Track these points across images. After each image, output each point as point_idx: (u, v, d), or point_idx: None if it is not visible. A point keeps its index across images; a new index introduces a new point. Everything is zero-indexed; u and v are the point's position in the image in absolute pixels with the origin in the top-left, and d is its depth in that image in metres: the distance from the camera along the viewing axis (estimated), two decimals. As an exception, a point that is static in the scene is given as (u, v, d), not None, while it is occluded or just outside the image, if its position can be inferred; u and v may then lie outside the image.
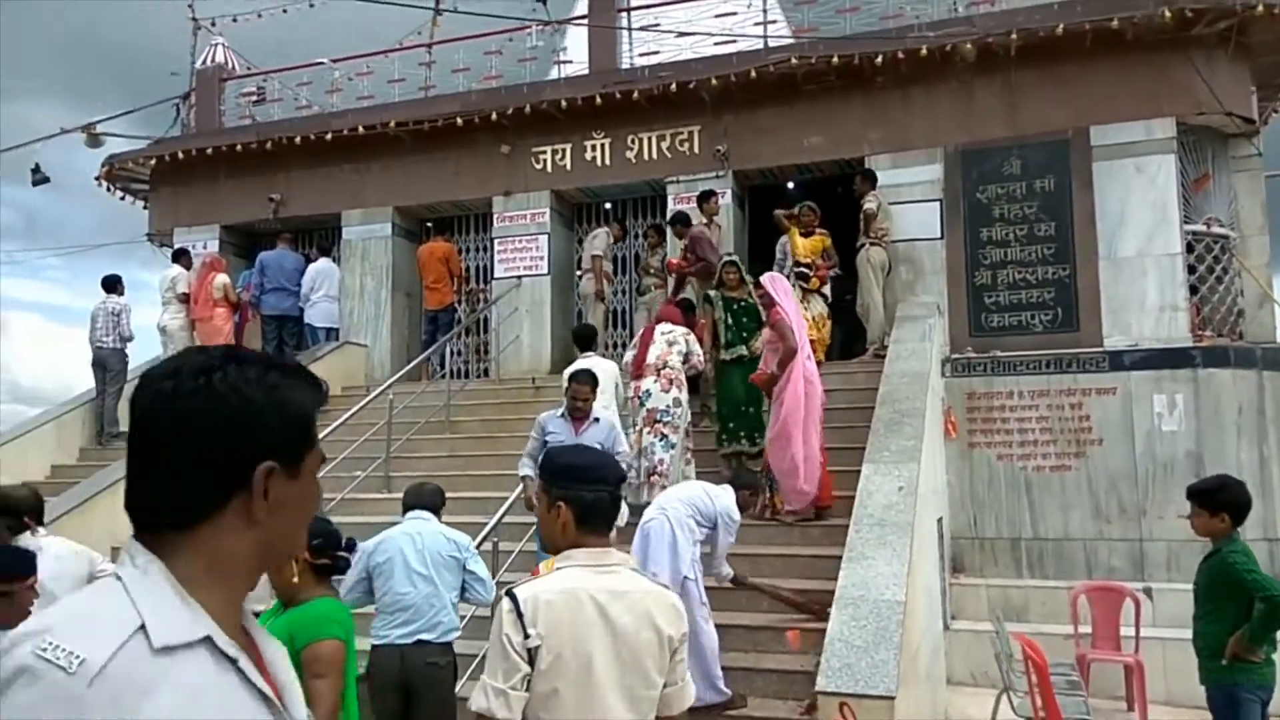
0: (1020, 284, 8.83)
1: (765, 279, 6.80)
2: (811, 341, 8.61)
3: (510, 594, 2.07)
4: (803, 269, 8.67)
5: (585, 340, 7.80)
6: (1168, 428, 8.09)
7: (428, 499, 4.63)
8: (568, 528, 2.13)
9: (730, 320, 7.45)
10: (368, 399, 8.27)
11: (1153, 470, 8.06)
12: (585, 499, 2.13)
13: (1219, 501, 4.32)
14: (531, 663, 2.01)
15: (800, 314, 6.90)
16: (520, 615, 2.02)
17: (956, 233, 9.06)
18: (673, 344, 7.07)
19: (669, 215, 9.67)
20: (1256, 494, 7.95)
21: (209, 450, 1.03)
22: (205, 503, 1.04)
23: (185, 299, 10.60)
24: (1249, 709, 4.10)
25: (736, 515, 5.25)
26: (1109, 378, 8.28)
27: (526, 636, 2.01)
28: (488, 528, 5.72)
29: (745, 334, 7.40)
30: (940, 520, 7.69)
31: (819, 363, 8.47)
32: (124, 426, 9.93)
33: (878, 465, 5.97)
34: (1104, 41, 8.51)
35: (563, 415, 5.91)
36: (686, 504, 5.08)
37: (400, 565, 4.24)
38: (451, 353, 10.93)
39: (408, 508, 4.59)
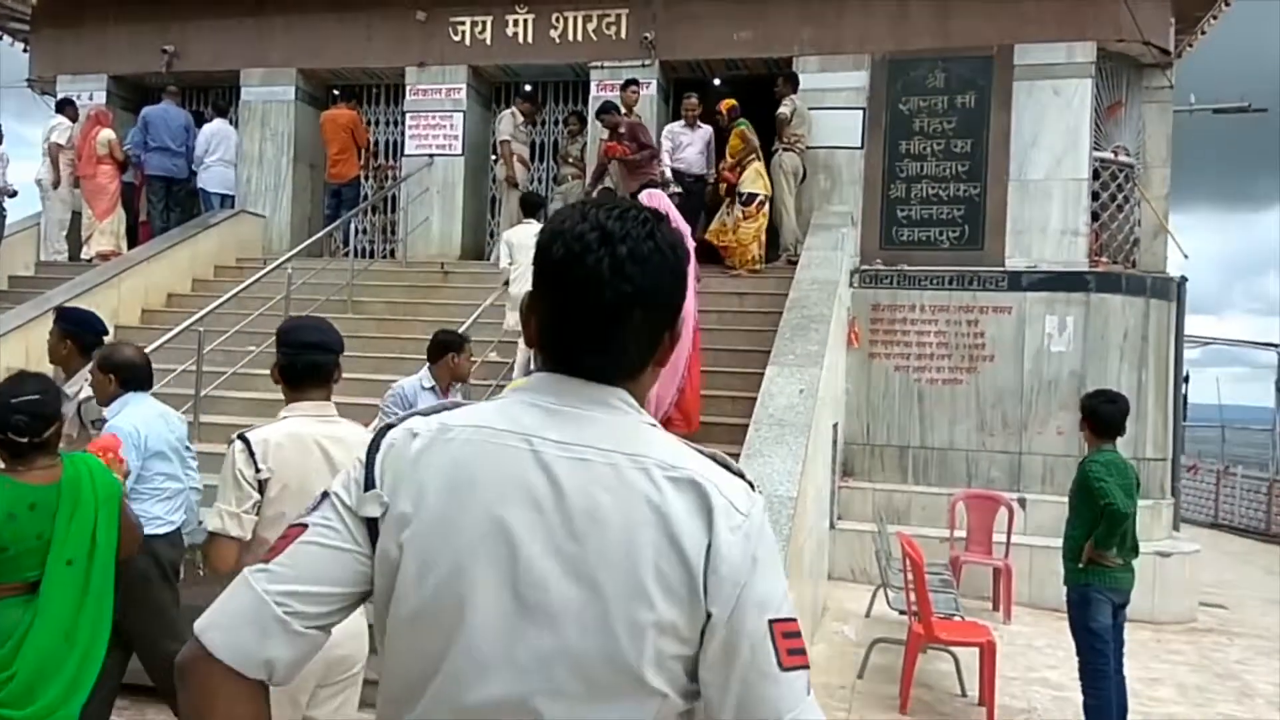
0: (932, 199, 8.93)
1: (643, 196, 6.20)
2: (721, 246, 8.64)
3: (242, 436, 2.53)
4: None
5: (532, 207, 7.72)
6: (1056, 348, 8.42)
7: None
8: (284, 387, 2.68)
9: None
10: (264, 271, 7.93)
11: (1037, 388, 8.41)
12: (299, 362, 2.64)
13: (1083, 410, 4.55)
14: (261, 492, 2.48)
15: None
16: (252, 453, 2.49)
17: (876, 143, 9.05)
18: None
19: (598, 104, 9.38)
20: (1130, 415, 8.38)
21: (671, 306, 1.14)
22: (656, 352, 1.16)
23: (65, 152, 9.88)
24: (1098, 607, 4.42)
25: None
26: (1006, 297, 8.53)
27: (257, 470, 2.48)
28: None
29: None
30: (835, 425, 7.91)
31: (733, 270, 8.59)
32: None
33: (781, 368, 6.05)
34: (1038, -43, 8.47)
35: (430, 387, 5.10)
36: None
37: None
38: (356, 230, 10.56)
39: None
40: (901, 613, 5.43)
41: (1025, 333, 8.48)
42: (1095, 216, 8.82)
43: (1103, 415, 4.51)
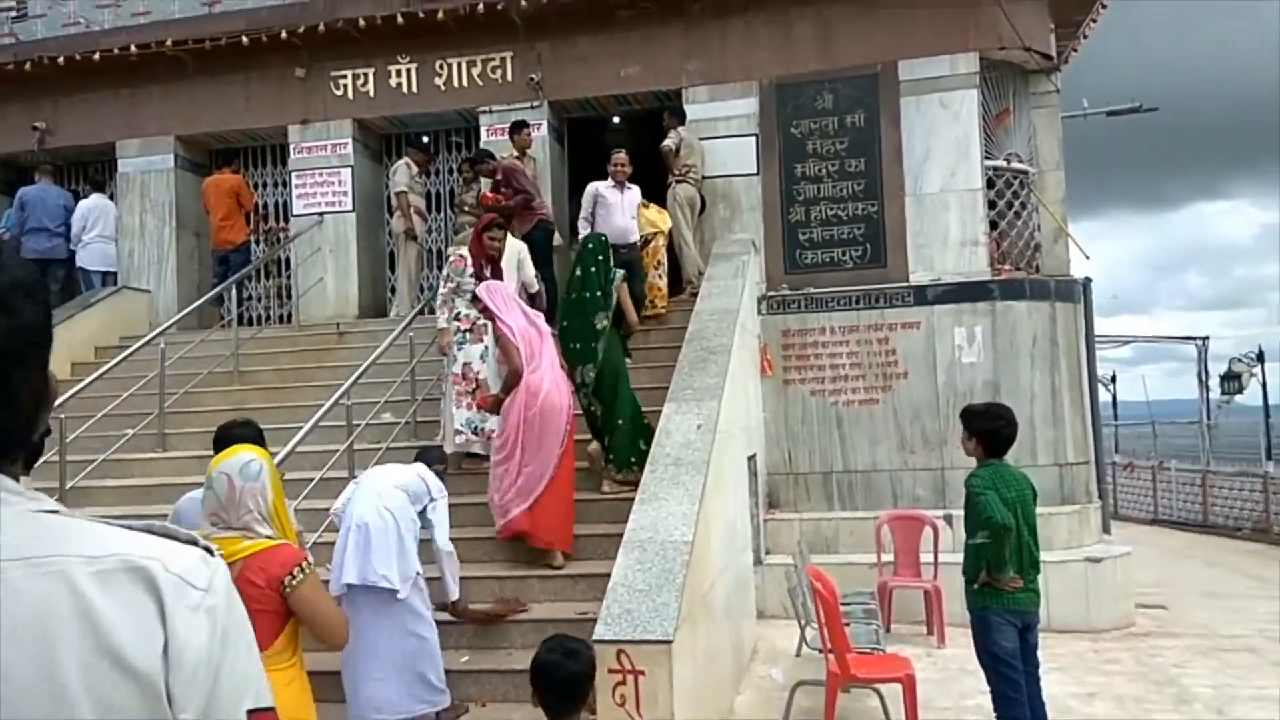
0: (832, 220, 8.83)
1: (481, 290, 6.02)
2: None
3: None
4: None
5: None
6: (967, 359, 8.31)
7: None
8: None
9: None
10: (133, 348, 7.47)
11: (954, 401, 8.26)
12: None
13: (969, 426, 4.33)
14: None
15: (529, 319, 5.98)
16: None
17: (772, 168, 8.95)
18: None
19: (472, 153, 9.15)
20: (1047, 421, 8.37)
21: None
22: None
23: (-69, 239, 9.35)
24: (999, 630, 4.17)
25: (444, 487, 4.87)
26: (914, 312, 8.43)
27: None
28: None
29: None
30: (753, 457, 7.67)
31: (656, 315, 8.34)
32: None
33: (679, 404, 5.80)
34: (912, -27, 8.51)
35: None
36: (406, 490, 4.61)
37: None
38: (248, 297, 10.16)
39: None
40: (820, 651, 5.14)
41: (936, 346, 8.37)
42: (994, 225, 8.79)
43: (994, 431, 4.32)
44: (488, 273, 6.46)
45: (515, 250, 6.94)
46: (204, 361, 8.28)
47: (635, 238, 8.22)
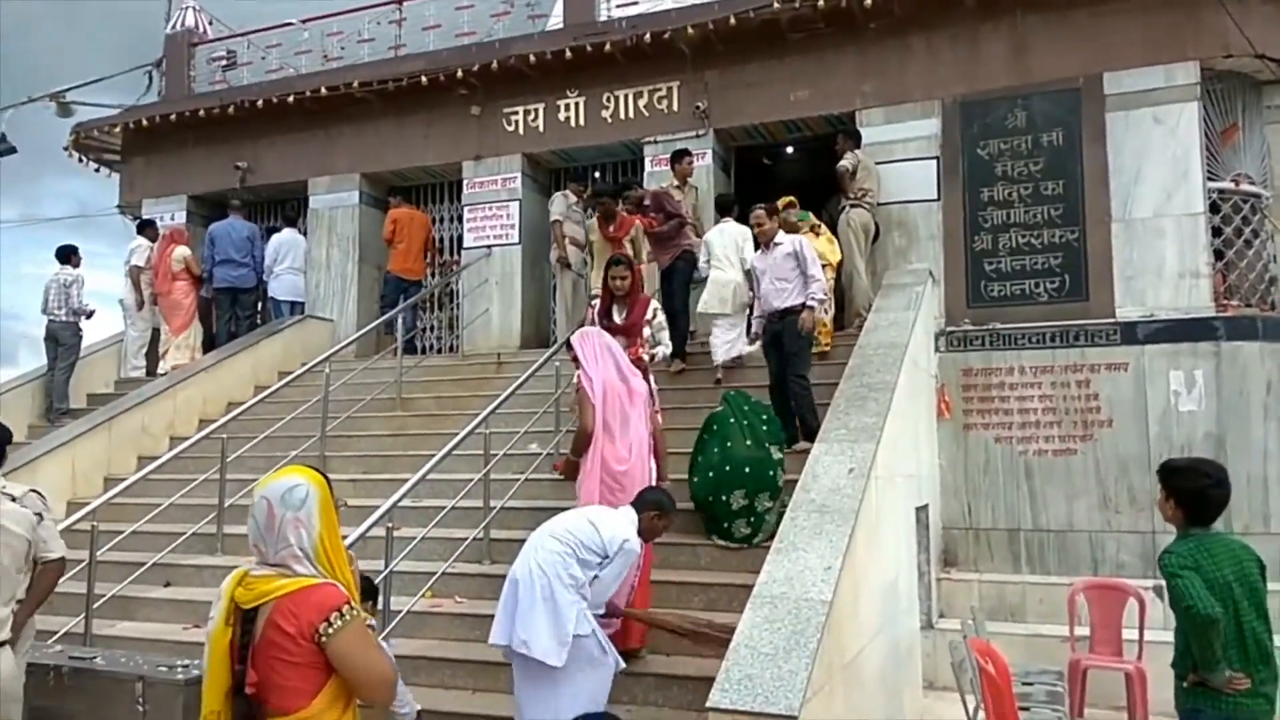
0: (1024, 249, 7.98)
1: (574, 338, 5.24)
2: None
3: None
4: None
5: (725, 208, 7.93)
6: (1185, 407, 7.23)
7: None
8: None
9: None
10: (298, 373, 7.71)
11: (1168, 453, 7.17)
12: None
13: (1167, 484, 3.56)
14: None
15: (623, 374, 5.09)
16: None
17: (955, 193, 8.22)
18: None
19: (651, 181, 8.94)
20: (1283, 483, 7.14)
21: None
22: None
23: (144, 273, 10.15)
24: None
25: (636, 545, 4.08)
26: (1120, 351, 7.44)
27: None
28: (380, 511, 5.08)
29: None
30: (923, 509, 6.93)
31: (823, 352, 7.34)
32: (74, 403, 9.58)
33: (830, 445, 5.23)
34: (1120, -23, 7.64)
35: None
36: (565, 540, 3.95)
37: None
38: (422, 329, 10.41)
39: None
40: (989, 738, 4.39)
41: (1147, 391, 7.34)
42: (1220, 255, 7.67)
43: (1199, 491, 3.50)
44: (615, 315, 5.92)
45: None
46: (370, 388, 8.44)
47: (795, 301, 6.45)
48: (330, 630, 2.23)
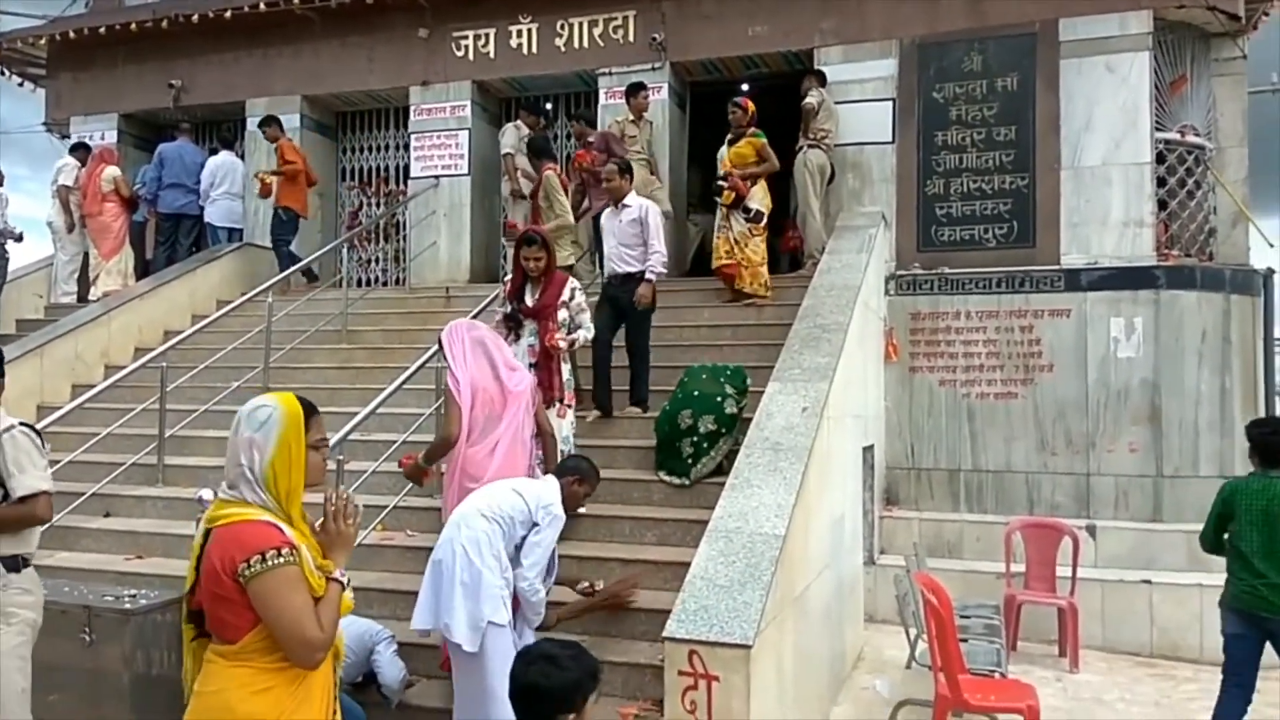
0: (975, 194, 8.04)
1: (443, 335, 4.69)
2: (728, 266, 7.42)
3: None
4: (718, 183, 7.49)
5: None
6: (1124, 354, 7.42)
7: None
8: None
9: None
10: (238, 302, 7.48)
11: (1105, 399, 7.42)
12: None
13: (1247, 434, 4.64)
14: None
15: (500, 375, 4.59)
16: None
17: (909, 136, 8.22)
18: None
19: (606, 114, 8.75)
20: (1214, 428, 7.39)
21: None
22: None
23: (73, 193, 9.70)
24: (1223, 619, 4.55)
25: (560, 512, 3.93)
26: (1064, 298, 7.59)
27: None
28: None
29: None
30: (869, 448, 7.05)
31: (747, 294, 7.31)
32: (2, 329, 9.19)
33: (784, 384, 5.26)
34: (1080, -79, 7.60)
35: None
36: (493, 516, 3.78)
37: None
38: (367, 260, 10.18)
39: None
40: (930, 668, 4.54)
41: (1088, 338, 7.51)
42: (1163, 205, 7.82)
43: (1260, 444, 4.51)
44: (528, 297, 5.30)
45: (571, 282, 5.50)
46: (314, 319, 8.24)
47: (631, 269, 6.13)
48: (248, 571, 2.08)
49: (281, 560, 2.10)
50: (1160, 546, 6.93)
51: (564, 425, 5.27)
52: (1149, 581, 6.58)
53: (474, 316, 6.73)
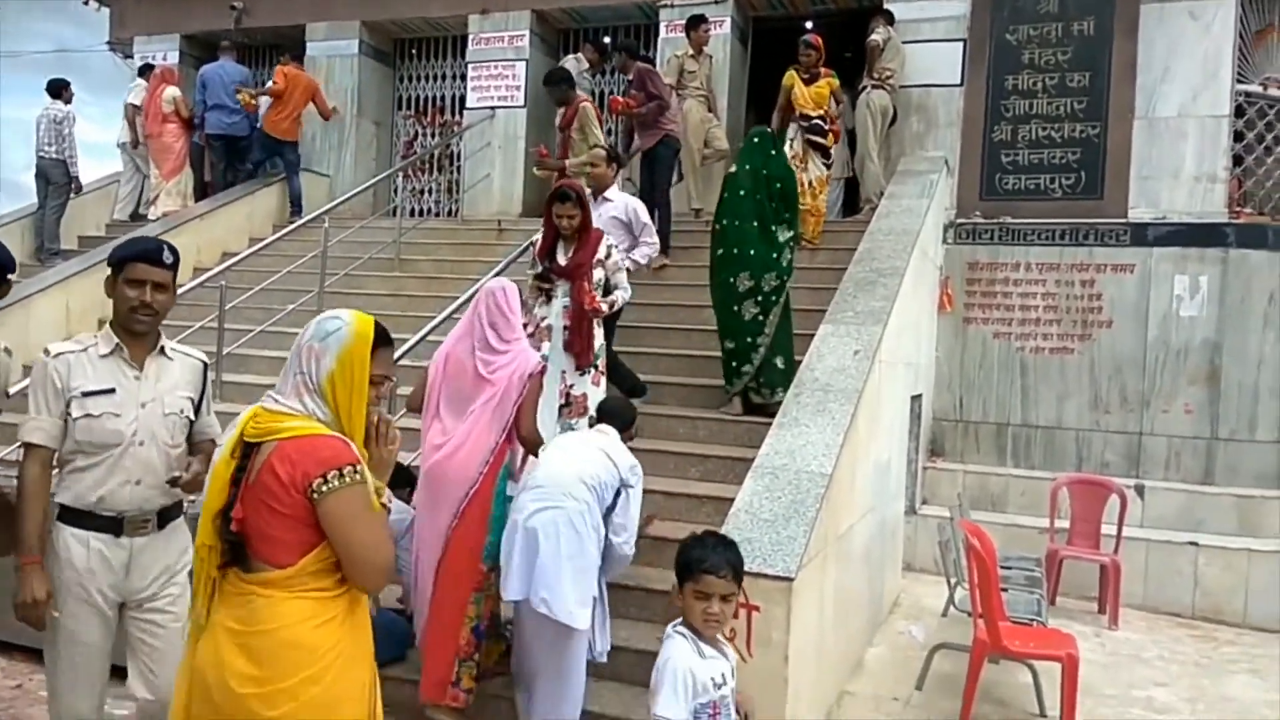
0: (1043, 142, 7.81)
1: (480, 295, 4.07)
2: (803, 211, 6.94)
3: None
4: (815, 122, 7.27)
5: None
6: (1186, 312, 7.23)
7: None
8: None
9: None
10: (294, 226, 7.56)
11: (1163, 358, 7.25)
12: None
13: None
14: None
15: (483, 353, 3.88)
16: None
17: (978, 80, 7.98)
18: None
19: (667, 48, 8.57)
20: (1274, 393, 7.20)
21: None
22: None
23: (140, 113, 9.82)
24: None
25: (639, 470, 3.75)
26: (1128, 253, 7.39)
27: None
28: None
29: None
30: (917, 398, 6.99)
31: (807, 240, 7.08)
32: (65, 244, 9.41)
33: (836, 326, 5.22)
34: None
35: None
36: (594, 486, 3.53)
37: None
38: (421, 191, 10.20)
39: None
40: (969, 614, 4.55)
41: (1150, 294, 7.33)
42: (1238, 160, 7.54)
43: None
44: (560, 255, 4.90)
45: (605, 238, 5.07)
46: (367, 247, 8.32)
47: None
48: (325, 488, 1.96)
49: (359, 479, 2.01)
50: (1209, 509, 6.82)
51: (598, 393, 4.88)
52: (1195, 544, 6.48)
53: (525, 249, 6.76)
